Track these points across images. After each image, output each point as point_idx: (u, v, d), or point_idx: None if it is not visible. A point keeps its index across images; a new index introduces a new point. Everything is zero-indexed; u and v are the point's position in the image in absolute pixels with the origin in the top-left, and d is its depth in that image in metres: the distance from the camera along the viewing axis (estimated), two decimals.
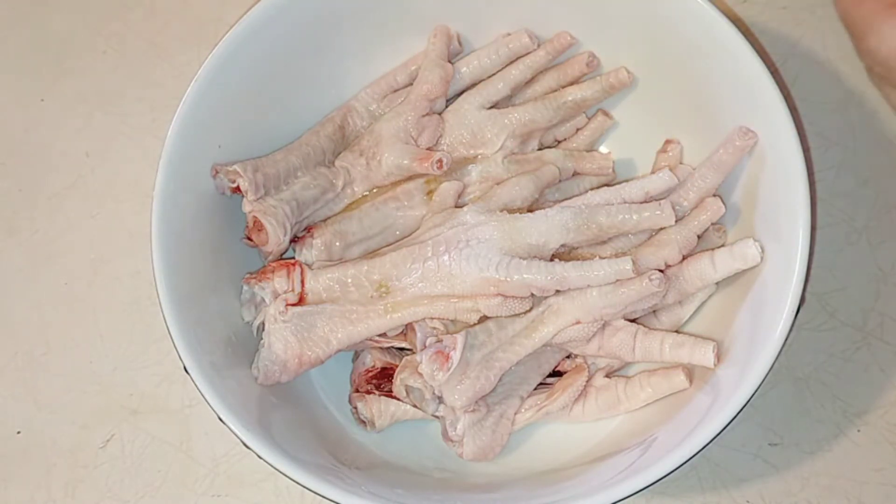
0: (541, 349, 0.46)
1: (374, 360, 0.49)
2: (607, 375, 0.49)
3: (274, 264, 0.47)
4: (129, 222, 0.57)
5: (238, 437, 0.42)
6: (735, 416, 0.42)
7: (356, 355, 0.50)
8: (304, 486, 0.41)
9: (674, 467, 0.41)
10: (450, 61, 0.51)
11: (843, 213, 0.55)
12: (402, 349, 0.48)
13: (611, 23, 0.50)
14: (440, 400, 0.45)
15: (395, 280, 0.46)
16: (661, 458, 0.41)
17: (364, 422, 0.49)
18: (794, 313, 0.43)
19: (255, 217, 0.47)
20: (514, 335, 0.46)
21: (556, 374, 0.49)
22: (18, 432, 0.54)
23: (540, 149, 0.52)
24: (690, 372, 0.47)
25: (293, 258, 0.48)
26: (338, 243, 0.48)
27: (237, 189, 0.47)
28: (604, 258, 0.45)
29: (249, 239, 0.48)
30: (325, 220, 0.49)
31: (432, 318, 0.46)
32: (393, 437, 0.49)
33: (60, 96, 0.60)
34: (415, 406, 0.47)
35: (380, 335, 0.47)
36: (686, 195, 0.48)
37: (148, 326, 0.55)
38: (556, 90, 0.52)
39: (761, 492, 0.50)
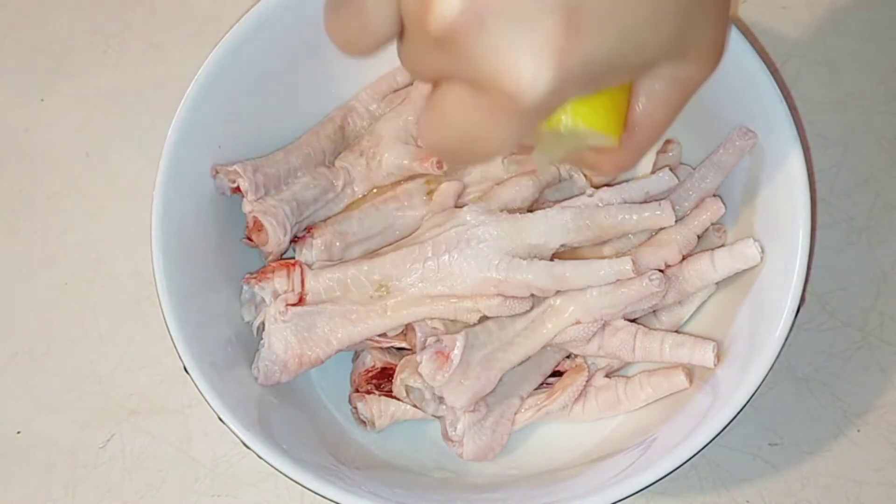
0: (541, 349, 0.46)
1: (374, 360, 0.49)
2: (607, 375, 0.49)
3: (274, 264, 0.47)
4: (129, 222, 0.57)
5: (238, 437, 0.42)
6: (735, 416, 0.42)
7: (356, 355, 0.50)
8: (304, 486, 0.41)
9: (674, 467, 0.41)
10: None
11: (843, 213, 0.55)
12: (402, 349, 0.48)
13: None
14: (440, 400, 0.45)
15: (395, 280, 0.46)
16: (661, 458, 0.41)
17: (364, 422, 0.49)
18: (794, 313, 0.43)
19: (255, 217, 0.47)
20: (515, 335, 0.46)
21: (556, 374, 0.49)
22: (18, 432, 0.54)
23: None
24: (690, 372, 0.47)
25: (293, 258, 0.48)
26: (338, 243, 0.48)
27: (237, 189, 0.47)
28: (604, 258, 0.45)
29: (249, 239, 0.48)
30: (325, 220, 0.49)
31: (432, 318, 0.46)
32: (393, 437, 0.49)
33: (60, 96, 0.59)
34: (415, 406, 0.47)
35: (380, 335, 0.46)
36: (686, 195, 0.48)
37: (148, 326, 0.55)
38: None
39: (761, 492, 0.50)
